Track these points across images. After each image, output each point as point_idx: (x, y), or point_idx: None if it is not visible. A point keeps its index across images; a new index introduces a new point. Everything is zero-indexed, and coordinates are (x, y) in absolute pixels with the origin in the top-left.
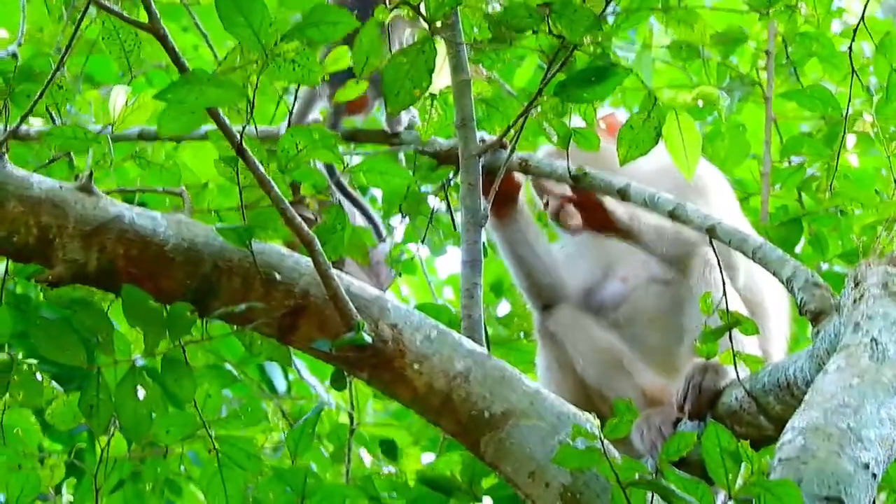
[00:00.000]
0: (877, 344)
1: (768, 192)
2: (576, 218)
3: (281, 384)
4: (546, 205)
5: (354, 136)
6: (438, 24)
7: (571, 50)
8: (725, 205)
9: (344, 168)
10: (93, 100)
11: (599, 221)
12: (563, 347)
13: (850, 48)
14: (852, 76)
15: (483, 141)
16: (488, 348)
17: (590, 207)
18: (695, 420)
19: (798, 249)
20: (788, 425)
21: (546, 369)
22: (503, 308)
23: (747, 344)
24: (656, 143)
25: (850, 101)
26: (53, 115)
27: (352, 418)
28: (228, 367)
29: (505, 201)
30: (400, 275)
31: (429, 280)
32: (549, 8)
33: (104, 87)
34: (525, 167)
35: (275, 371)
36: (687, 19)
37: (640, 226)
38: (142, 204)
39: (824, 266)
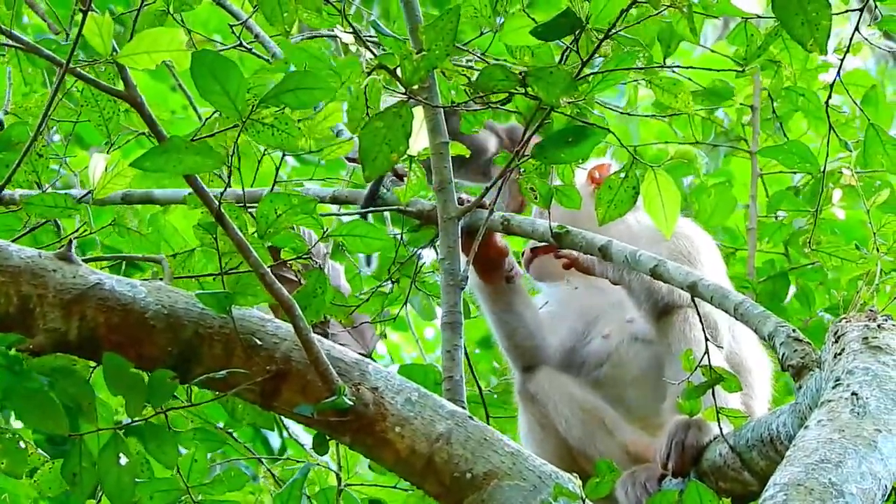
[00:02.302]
0: (857, 398)
1: (755, 246)
2: (553, 268)
3: (276, 442)
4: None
5: (338, 200)
6: (415, 87)
7: (548, 112)
8: (710, 264)
9: (324, 234)
10: (79, 163)
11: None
12: (545, 409)
13: (827, 104)
14: (829, 132)
15: (462, 202)
16: (484, 405)
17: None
18: (679, 477)
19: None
20: (771, 481)
21: (528, 431)
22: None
23: (730, 400)
24: (634, 202)
25: (827, 156)
26: (36, 182)
27: (339, 478)
28: (218, 428)
29: (490, 264)
30: (384, 336)
31: (416, 338)
32: (526, 70)
33: (93, 148)
34: (507, 227)
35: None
36: (670, 89)
37: (627, 279)
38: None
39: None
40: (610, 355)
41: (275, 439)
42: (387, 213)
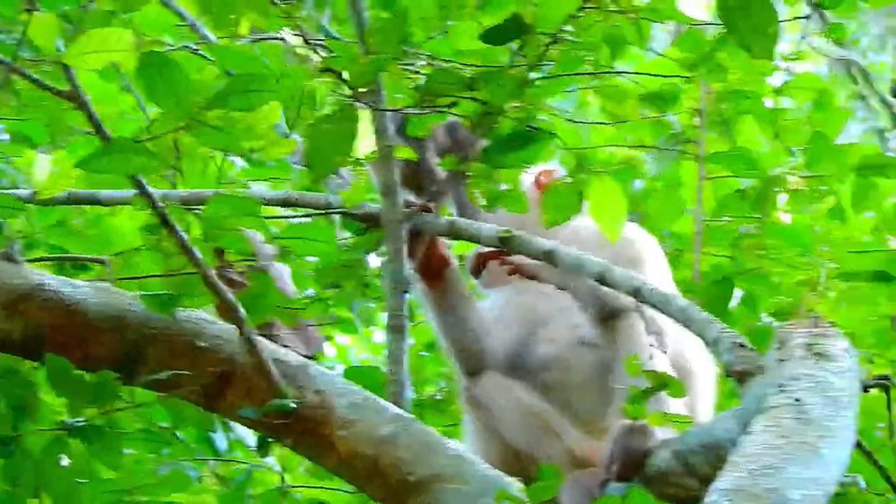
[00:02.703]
0: (801, 405)
1: (700, 250)
2: (500, 273)
3: (222, 443)
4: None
5: (285, 202)
6: (362, 90)
7: (495, 116)
8: (655, 269)
9: (270, 236)
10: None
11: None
12: (490, 413)
13: (774, 108)
14: (775, 138)
15: (409, 205)
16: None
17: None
18: (623, 482)
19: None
20: (713, 487)
21: (473, 435)
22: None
23: (675, 405)
24: (580, 208)
25: (772, 162)
26: None
27: (283, 480)
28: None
29: (435, 269)
30: (328, 339)
31: (363, 340)
32: (473, 74)
33: (41, 147)
34: (453, 230)
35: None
36: (615, 97)
37: (573, 284)
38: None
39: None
40: (556, 360)
41: (221, 440)
42: (336, 216)
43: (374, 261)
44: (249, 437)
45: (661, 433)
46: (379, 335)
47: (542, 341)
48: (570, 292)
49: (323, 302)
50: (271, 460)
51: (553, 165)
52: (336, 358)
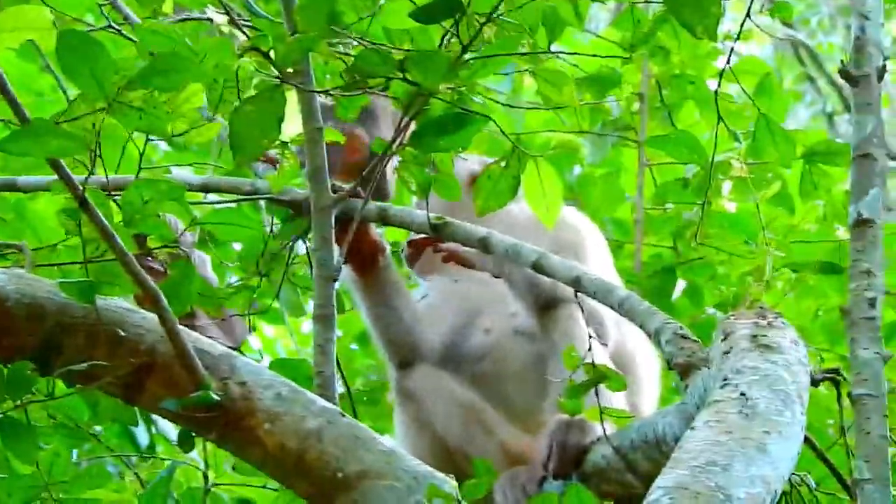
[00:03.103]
0: (746, 399)
1: (641, 239)
2: (433, 261)
3: (143, 438)
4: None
5: (207, 188)
6: (289, 70)
7: (427, 98)
8: (596, 256)
9: (192, 221)
10: None
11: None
12: (423, 406)
13: (716, 93)
14: (718, 122)
15: (336, 191)
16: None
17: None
18: (560, 479)
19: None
20: (655, 484)
21: (404, 430)
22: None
23: (615, 399)
24: (515, 193)
25: (715, 147)
26: None
27: (206, 477)
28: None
29: (365, 256)
30: (254, 329)
31: (290, 330)
32: (404, 55)
33: None
34: (384, 217)
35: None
36: (552, 80)
37: (508, 272)
38: None
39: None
40: (491, 350)
41: (143, 436)
42: (261, 202)
43: (302, 248)
44: (172, 431)
45: (600, 429)
46: (307, 325)
47: (477, 331)
48: (506, 280)
49: (248, 290)
50: (195, 456)
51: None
52: (263, 350)
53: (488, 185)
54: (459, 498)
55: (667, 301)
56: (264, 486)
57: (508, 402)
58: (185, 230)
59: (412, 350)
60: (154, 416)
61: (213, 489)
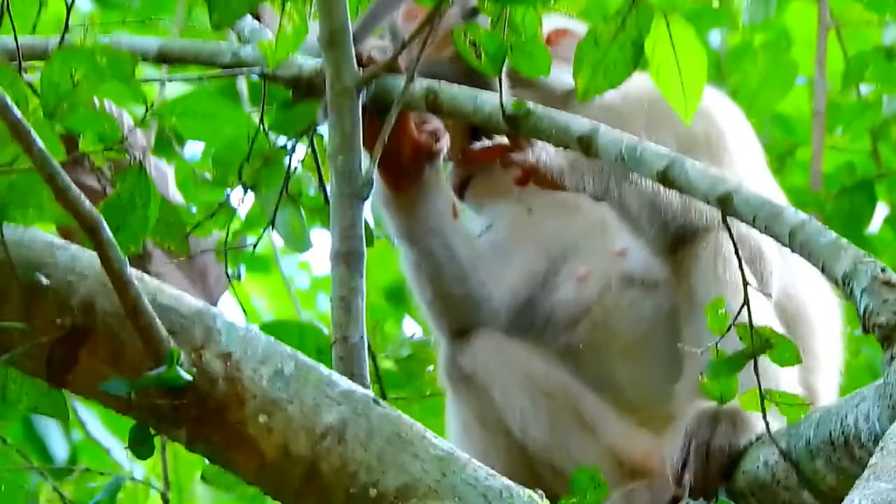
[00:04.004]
0: None
1: (822, 140)
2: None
3: (60, 448)
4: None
5: (168, 58)
6: None
7: None
8: (748, 163)
9: (147, 110)
10: None
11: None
12: (488, 395)
13: None
14: None
15: (365, 63)
16: (382, 392)
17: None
18: (701, 498)
19: (872, 231)
20: (846, 502)
21: (462, 428)
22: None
23: (783, 378)
24: (635, 66)
25: None
26: None
27: (166, 502)
28: None
29: (404, 164)
30: (240, 277)
31: (288, 282)
32: None
33: None
34: (434, 103)
35: (49, 427)
36: None
37: (618, 191)
38: None
39: None
40: (590, 309)
41: (58, 445)
42: (243, 82)
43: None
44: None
45: (761, 423)
46: (304, 279)
47: (567, 281)
48: (612, 205)
49: (227, 213)
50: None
51: (566, 23)
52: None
53: (594, 53)
54: None
55: (859, 231)
56: None
57: (619, 386)
58: (137, 125)
59: (471, 309)
60: (81, 410)
61: None
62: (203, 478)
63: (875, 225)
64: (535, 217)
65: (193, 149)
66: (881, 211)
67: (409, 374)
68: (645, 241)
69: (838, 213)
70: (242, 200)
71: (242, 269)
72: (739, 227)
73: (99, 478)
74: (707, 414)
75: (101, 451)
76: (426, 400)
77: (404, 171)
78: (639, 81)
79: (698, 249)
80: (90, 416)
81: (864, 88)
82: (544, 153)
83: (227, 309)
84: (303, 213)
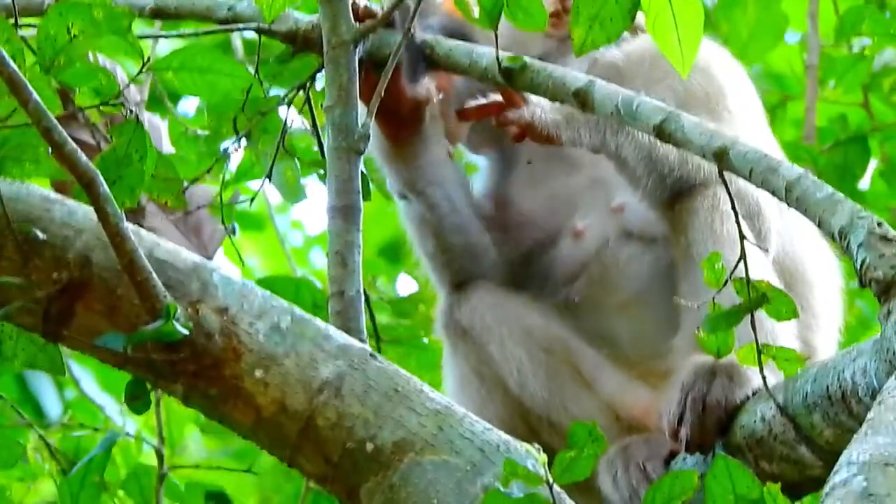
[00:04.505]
0: None
1: (815, 93)
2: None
3: (53, 406)
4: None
5: (163, 13)
6: None
7: None
8: (745, 116)
9: (144, 65)
10: None
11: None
12: (486, 349)
13: None
14: None
15: (362, 16)
16: (377, 345)
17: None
18: (697, 452)
19: (864, 185)
20: (843, 458)
21: (459, 382)
22: (404, 285)
23: (781, 333)
24: (632, 19)
25: None
26: None
27: (161, 457)
28: None
29: (402, 117)
30: (235, 232)
31: (283, 238)
32: None
33: None
34: (431, 57)
35: (43, 385)
36: None
37: (615, 143)
38: None
39: None
40: (588, 263)
41: (51, 402)
42: (237, 41)
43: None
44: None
45: (758, 377)
46: (297, 236)
47: (565, 235)
48: (610, 157)
49: (222, 166)
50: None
51: None
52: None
53: (590, 7)
54: (550, 479)
55: (853, 185)
56: (248, 471)
57: (617, 341)
58: (132, 80)
59: (469, 261)
60: (74, 372)
61: (169, 474)
62: (202, 429)
63: (866, 179)
64: (534, 169)
65: (186, 106)
66: (873, 164)
67: (401, 313)
68: (642, 194)
69: (832, 167)
70: (237, 149)
71: (236, 225)
72: (738, 182)
73: (91, 431)
74: (704, 368)
75: (94, 409)
76: (422, 353)
77: (402, 122)
78: (642, 40)
79: (696, 204)
80: (84, 374)
81: (855, 43)
82: (539, 109)
83: (223, 264)
84: (297, 164)
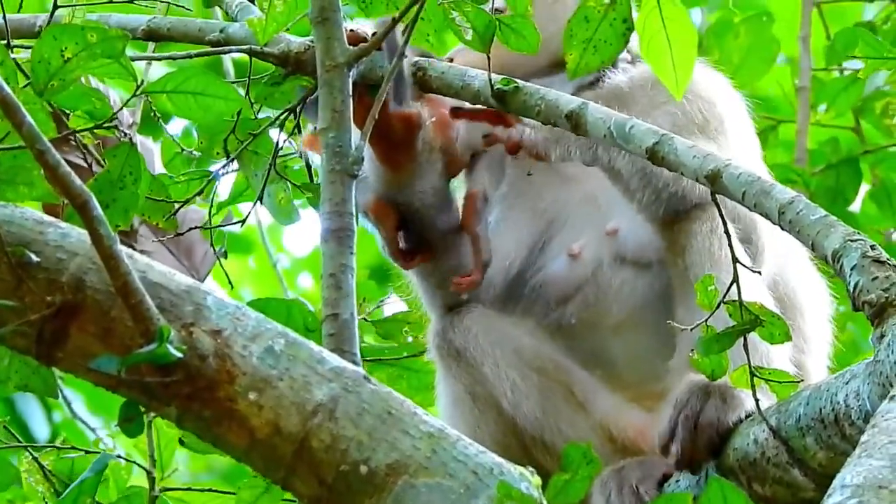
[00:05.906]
0: None
1: (808, 117)
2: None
3: (41, 428)
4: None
5: (155, 35)
6: None
7: None
8: (740, 141)
9: (138, 88)
10: None
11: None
12: (479, 370)
13: None
14: None
15: (355, 41)
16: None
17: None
18: (690, 472)
19: (855, 207)
20: (837, 481)
21: (453, 405)
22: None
23: (775, 355)
24: (626, 42)
25: None
26: None
27: (152, 480)
28: None
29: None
30: (226, 255)
31: (274, 261)
32: None
33: None
34: (423, 79)
35: (30, 407)
36: None
37: (608, 158)
38: None
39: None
40: (582, 285)
41: (39, 425)
42: (229, 60)
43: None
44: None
45: (751, 400)
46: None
47: (559, 257)
48: (604, 171)
49: (213, 188)
50: (132, 451)
51: None
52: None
53: (583, 29)
54: (544, 502)
55: (844, 208)
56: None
57: (611, 362)
58: (125, 104)
59: None
60: (65, 395)
61: (161, 495)
62: (181, 442)
63: (859, 199)
64: (528, 191)
65: (171, 128)
66: (863, 187)
67: (386, 334)
68: (638, 207)
69: (823, 190)
70: (226, 172)
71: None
72: (735, 206)
73: (84, 453)
74: (698, 387)
75: (81, 432)
76: (413, 375)
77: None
78: (645, 66)
79: (694, 227)
80: (74, 397)
81: (846, 65)
82: (529, 129)
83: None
84: (289, 186)
